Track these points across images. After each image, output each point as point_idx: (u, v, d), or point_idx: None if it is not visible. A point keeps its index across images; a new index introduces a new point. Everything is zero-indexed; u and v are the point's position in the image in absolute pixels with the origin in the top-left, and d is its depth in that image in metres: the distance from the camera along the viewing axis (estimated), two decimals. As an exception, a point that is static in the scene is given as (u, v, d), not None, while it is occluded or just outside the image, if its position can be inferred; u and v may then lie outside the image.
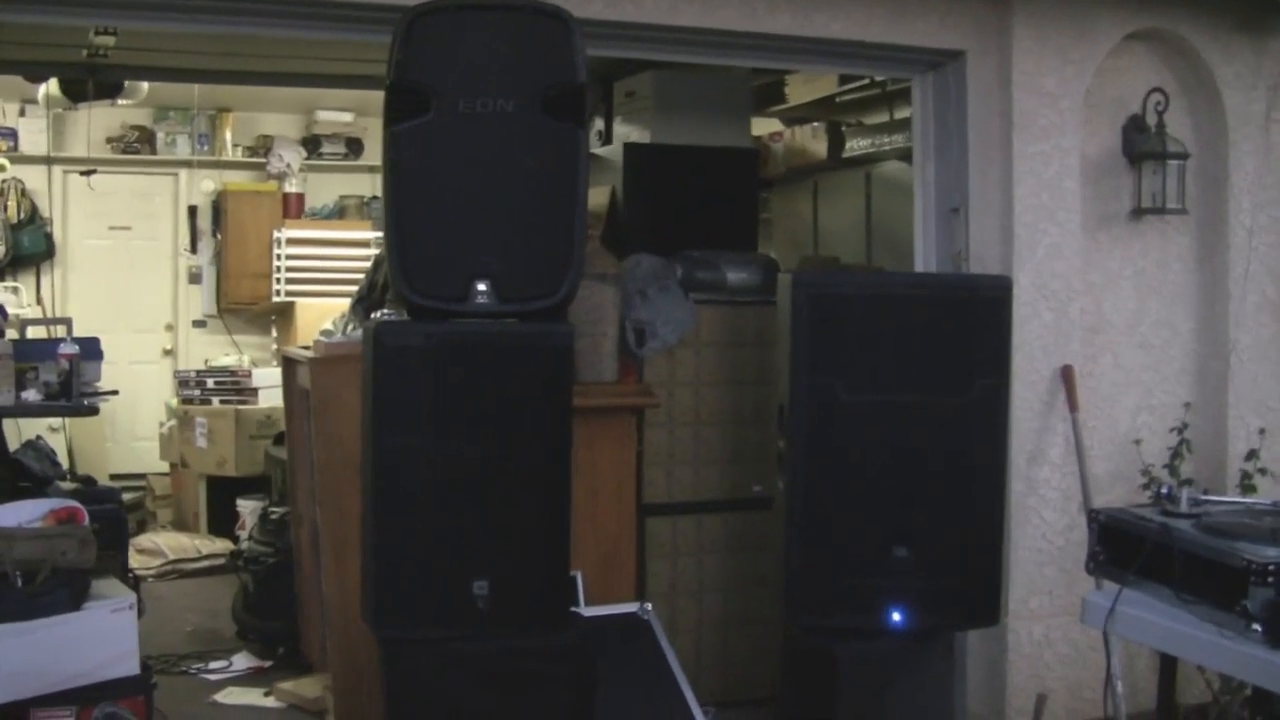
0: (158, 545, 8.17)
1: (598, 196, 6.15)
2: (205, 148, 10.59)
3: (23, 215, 9.88)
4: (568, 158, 3.69)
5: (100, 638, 4.44)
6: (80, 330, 6.70)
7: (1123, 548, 3.50)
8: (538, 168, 3.69)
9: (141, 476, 9.73)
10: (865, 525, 4.07)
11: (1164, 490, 3.65)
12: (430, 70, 3.63)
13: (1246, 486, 5.28)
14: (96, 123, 10.03)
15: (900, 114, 7.23)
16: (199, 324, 10.68)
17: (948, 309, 4.11)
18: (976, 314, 4.10)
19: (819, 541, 4.08)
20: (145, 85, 8.40)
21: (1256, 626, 3.02)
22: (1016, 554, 5.02)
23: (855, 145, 7.56)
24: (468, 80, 3.63)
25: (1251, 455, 5.32)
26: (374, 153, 10.53)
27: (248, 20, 4.48)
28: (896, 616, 4.04)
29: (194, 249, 10.60)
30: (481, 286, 3.63)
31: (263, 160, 10.61)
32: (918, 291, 4.21)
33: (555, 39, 3.69)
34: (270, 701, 5.63)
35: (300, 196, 10.58)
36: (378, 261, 6.43)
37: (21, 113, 10.01)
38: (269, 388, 8.46)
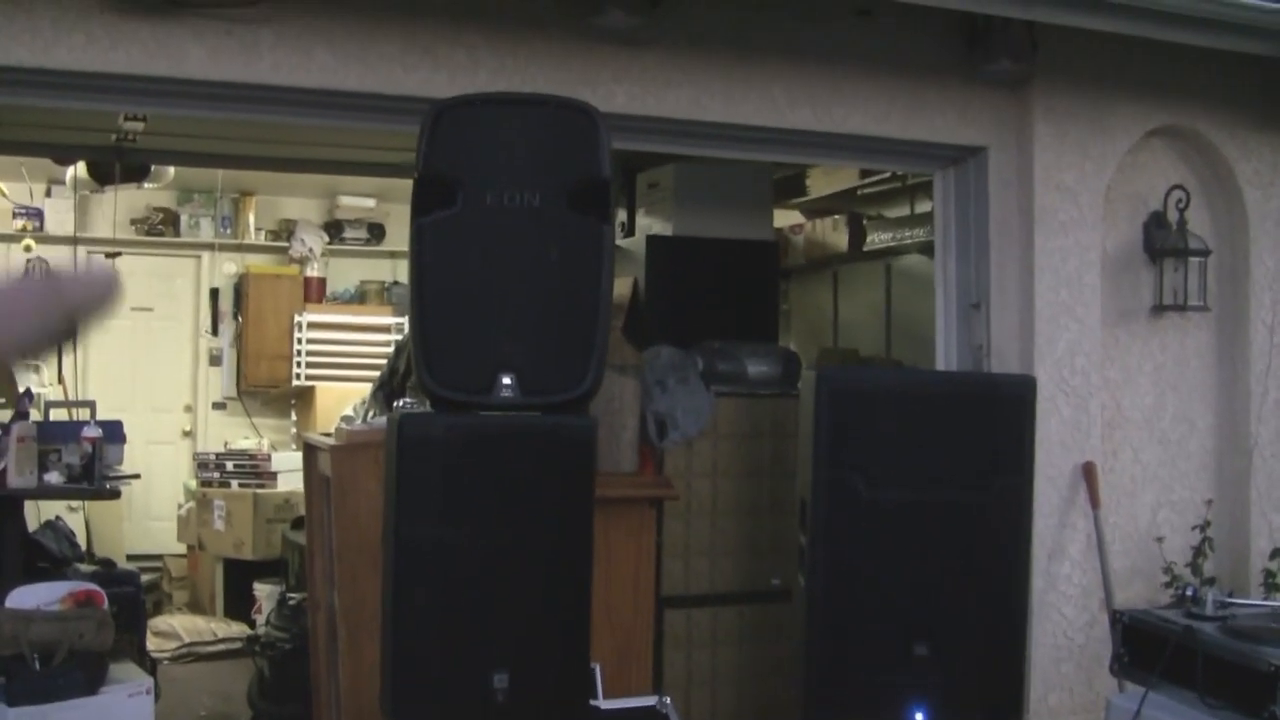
0: (173, 627, 8.15)
1: (620, 287, 6.18)
2: (228, 230, 10.66)
3: (46, 295, 9.93)
4: (592, 252, 3.71)
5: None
6: (100, 410, 6.73)
7: (1147, 650, 3.48)
8: (563, 261, 3.70)
9: (158, 557, 9.72)
10: (886, 622, 4.04)
11: (1189, 591, 3.63)
12: (457, 163, 3.66)
13: (1270, 585, 5.25)
14: (121, 204, 10.12)
15: (921, 207, 7.27)
16: (218, 406, 10.70)
17: (970, 407, 4.11)
18: (999, 412, 4.10)
19: (839, 638, 4.05)
20: (171, 169, 8.48)
21: (1283, 732, 3.00)
22: (1036, 650, 4.99)
23: (876, 238, 7.59)
24: (494, 173, 3.66)
25: (1275, 554, 5.29)
26: (396, 238, 10.60)
27: (274, 109, 4.54)
28: (918, 716, 4.01)
29: (215, 331, 10.64)
30: (506, 380, 3.63)
31: (285, 244, 10.67)
32: (941, 389, 4.22)
33: (582, 134, 3.72)
34: (283, 789, 5.59)
35: (322, 280, 10.64)
36: (399, 348, 6.46)
37: (48, 193, 10.10)
38: (288, 471, 8.46)
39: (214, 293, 10.65)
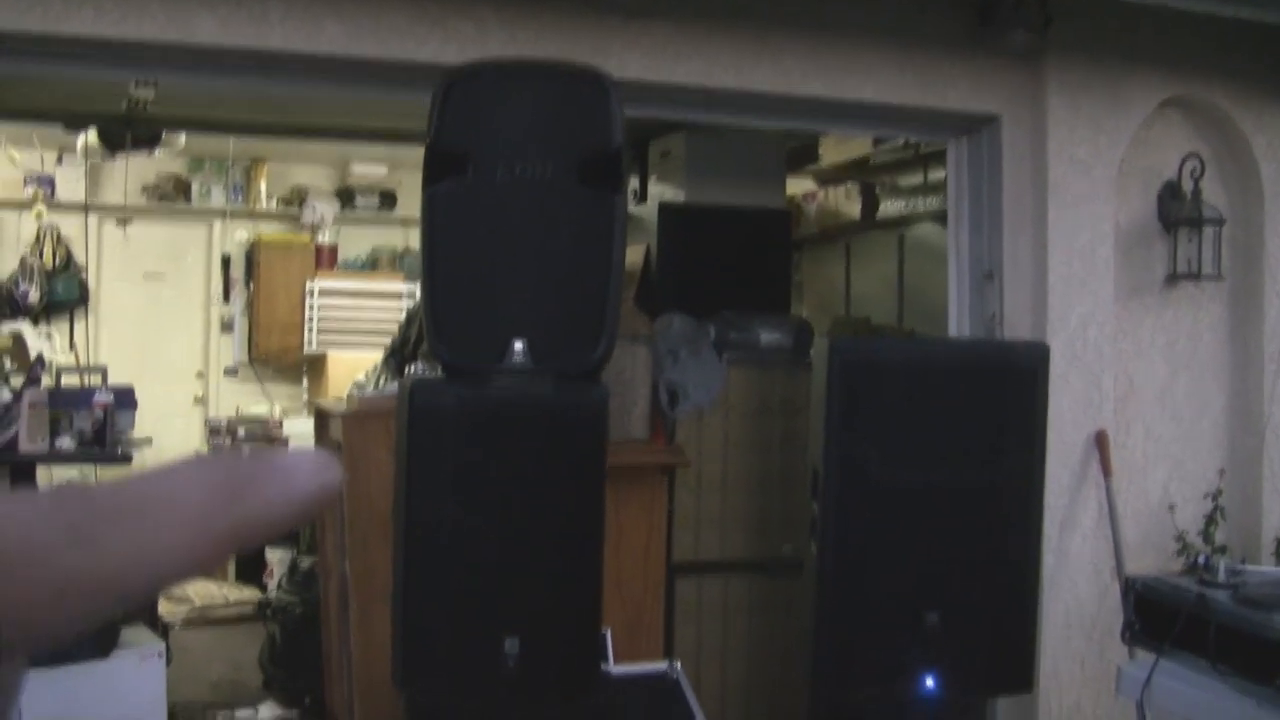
0: (185, 592, 8.19)
1: (632, 256, 6.17)
2: (239, 198, 10.65)
3: (58, 262, 9.96)
4: (604, 222, 3.70)
5: (128, 686, 4.45)
6: (112, 377, 6.74)
7: (1158, 618, 3.48)
8: (574, 231, 3.70)
9: (169, 524, 9.73)
10: (897, 592, 4.04)
11: (1201, 560, 3.63)
12: (468, 132, 3.66)
13: (1281, 556, 5.25)
14: (132, 172, 10.11)
15: (934, 176, 7.25)
16: (230, 373, 10.72)
17: (983, 377, 4.10)
18: (1012, 382, 4.09)
19: (850, 608, 4.05)
20: (182, 137, 8.48)
21: (1293, 703, 3.00)
22: (1047, 621, 4.99)
23: (889, 207, 7.57)
24: (506, 143, 3.65)
25: (1286, 525, 5.29)
26: (407, 206, 10.59)
27: (285, 78, 4.53)
28: (929, 684, 4.02)
29: (226, 298, 10.65)
30: (518, 347, 3.63)
31: (296, 211, 10.67)
32: (953, 359, 4.20)
33: (594, 103, 3.71)
34: (295, 754, 5.62)
35: (333, 248, 10.64)
36: (411, 315, 6.47)
37: (59, 161, 10.10)
38: (299, 437, 8.49)
39: (225, 260, 10.65)
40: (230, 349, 10.69)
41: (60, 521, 0.41)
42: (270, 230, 10.64)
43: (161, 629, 5.96)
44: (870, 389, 4.04)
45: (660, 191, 6.61)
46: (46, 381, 6.48)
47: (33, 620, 0.42)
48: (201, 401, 10.61)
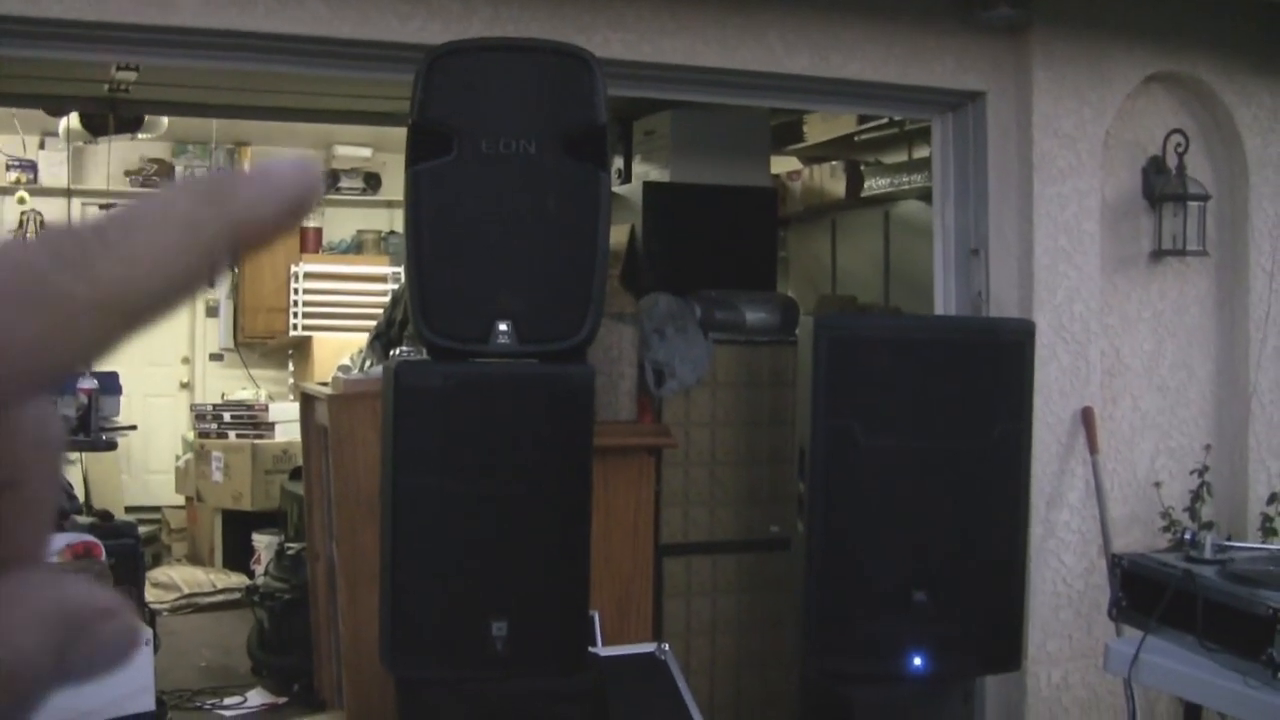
0: (172, 579, 8.16)
1: (617, 235, 6.13)
2: (223, 181, 10.59)
3: (41, 248, 9.89)
4: (589, 199, 3.69)
5: (115, 673, 4.42)
6: (97, 363, 6.72)
7: (1145, 594, 3.48)
8: (559, 209, 3.69)
9: (157, 509, 9.73)
10: (885, 570, 4.04)
11: (1188, 536, 3.63)
12: (452, 110, 3.64)
13: (1268, 530, 5.25)
14: (115, 156, 10.07)
15: (919, 153, 7.24)
16: (216, 357, 10.70)
17: (969, 353, 4.09)
18: (998, 358, 4.09)
19: (838, 585, 4.05)
20: (165, 120, 8.44)
21: (1282, 676, 3.00)
22: (1035, 597, 4.99)
23: (874, 184, 7.56)
24: (490, 120, 3.64)
25: (1273, 499, 5.29)
26: (392, 188, 10.56)
27: (268, 57, 4.50)
28: (917, 661, 4.02)
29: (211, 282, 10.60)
30: (503, 327, 3.62)
31: (280, 194, 10.61)
32: (939, 335, 4.19)
33: (577, 80, 3.70)
34: (284, 739, 5.62)
35: (318, 231, 10.61)
36: (396, 298, 6.44)
37: (41, 145, 10.05)
38: (285, 422, 8.47)
39: (210, 244, 10.59)
40: (215, 333, 10.66)
41: (44, 250, 0.40)
42: (254, 213, 10.58)
43: (149, 615, 5.95)
44: (857, 366, 4.03)
45: (645, 171, 6.59)
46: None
47: (34, 352, 0.40)
48: (187, 386, 10.59)
